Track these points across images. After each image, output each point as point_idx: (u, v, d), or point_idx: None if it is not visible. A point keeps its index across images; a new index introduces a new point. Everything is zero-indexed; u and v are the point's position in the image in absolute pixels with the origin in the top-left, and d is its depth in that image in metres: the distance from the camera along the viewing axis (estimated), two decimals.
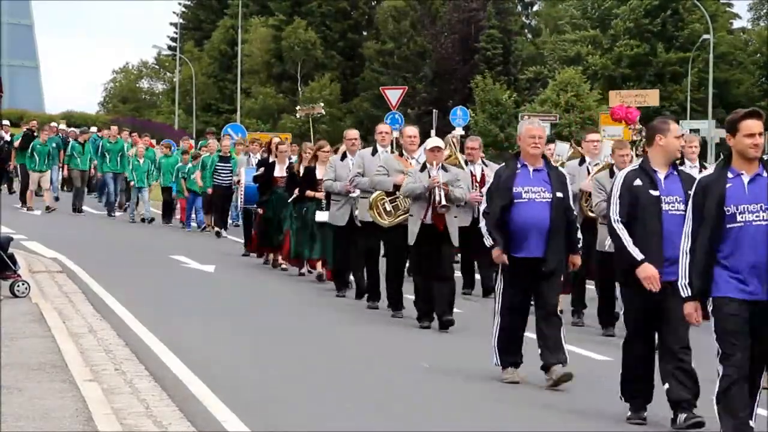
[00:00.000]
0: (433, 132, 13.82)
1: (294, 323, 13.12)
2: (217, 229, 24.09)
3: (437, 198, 12.15)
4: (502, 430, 8.27)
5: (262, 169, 18.89)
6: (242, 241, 21.47)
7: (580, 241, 9.98)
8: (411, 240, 12.40)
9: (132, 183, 27.03)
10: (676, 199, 8.20)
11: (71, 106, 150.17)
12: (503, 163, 10.07)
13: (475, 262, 16.29)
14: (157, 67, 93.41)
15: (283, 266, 18.27)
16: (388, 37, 73.17)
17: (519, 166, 9.62)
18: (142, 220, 26.93)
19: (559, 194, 9.54)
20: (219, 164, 23.60)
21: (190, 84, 75.50)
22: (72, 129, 36.68)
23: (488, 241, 9.61)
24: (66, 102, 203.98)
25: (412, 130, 13.85)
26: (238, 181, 21.38)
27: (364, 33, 78.45)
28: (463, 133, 31.25)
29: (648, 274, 8.04)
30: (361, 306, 14.50)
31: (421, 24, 70.35)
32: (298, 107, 21.44)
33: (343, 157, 15.02)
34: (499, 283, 9.72)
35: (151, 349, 10.54)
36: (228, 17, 79.78)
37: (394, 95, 37.82)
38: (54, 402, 8.07)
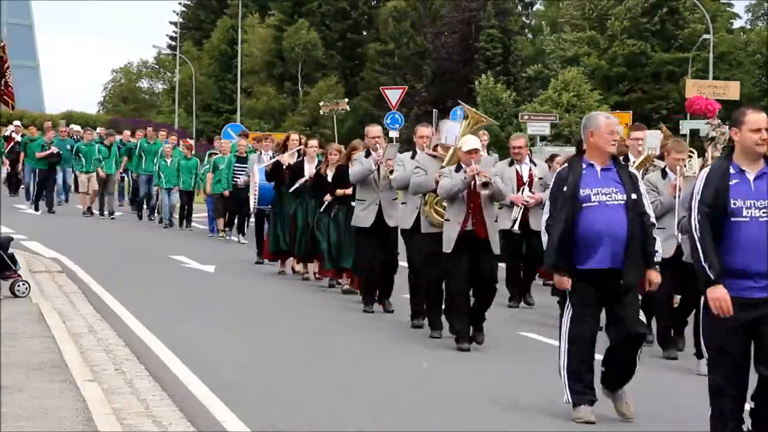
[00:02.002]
0: (432, 130, 13.61)
1: (294, 323, 13.11)
2: (227, 234, 23.07)
3: (477, 182, 11.06)
4: (501, 429, 8.29)
5: (271, 162, 17.76)
6: (246, 242, 21.42)
7: (657, 254, 8.45)
8: (448, 247, 11.24)
9: (158, 186, 26.17)
10: (764, 204, 6.94)
11: (71, 106, 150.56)
12: (566, 164, 8.72)
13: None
14: (157, 67, 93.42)
15: (307, 275, 17.14)
16: (389, 38, 73.23)
17: (584, 165, 8.32)
18: (167, 224, 25.90)
19: (634, 196, 8.23)
20: (236, 165, 22.03)
21: (190, 84, 75.48)
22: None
23: (549, 260, 8.30)
24: (66, 102, 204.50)
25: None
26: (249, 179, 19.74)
27: (365, 33, 78.52)
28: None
29: (715, 295, 6.81)
30: (362, 307, 14.37)
31: (422, 24, 70.42)
32: (321, 103, 20.96)
33: (368, 154, 14.16)
34: (566, 307, 8.39)
35: (151, 349, 10.56)
36: (228, 17, 79.83)
37: (394, 95, 37.85)
38: (54, 402, 8.07)
